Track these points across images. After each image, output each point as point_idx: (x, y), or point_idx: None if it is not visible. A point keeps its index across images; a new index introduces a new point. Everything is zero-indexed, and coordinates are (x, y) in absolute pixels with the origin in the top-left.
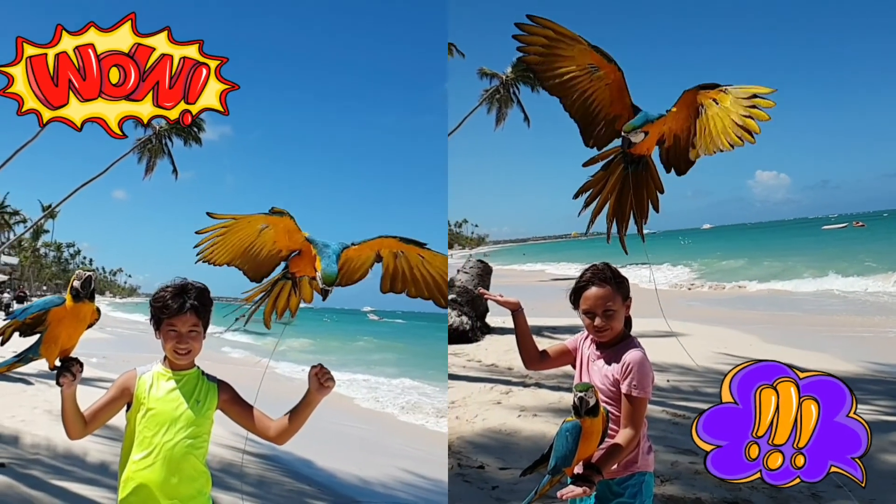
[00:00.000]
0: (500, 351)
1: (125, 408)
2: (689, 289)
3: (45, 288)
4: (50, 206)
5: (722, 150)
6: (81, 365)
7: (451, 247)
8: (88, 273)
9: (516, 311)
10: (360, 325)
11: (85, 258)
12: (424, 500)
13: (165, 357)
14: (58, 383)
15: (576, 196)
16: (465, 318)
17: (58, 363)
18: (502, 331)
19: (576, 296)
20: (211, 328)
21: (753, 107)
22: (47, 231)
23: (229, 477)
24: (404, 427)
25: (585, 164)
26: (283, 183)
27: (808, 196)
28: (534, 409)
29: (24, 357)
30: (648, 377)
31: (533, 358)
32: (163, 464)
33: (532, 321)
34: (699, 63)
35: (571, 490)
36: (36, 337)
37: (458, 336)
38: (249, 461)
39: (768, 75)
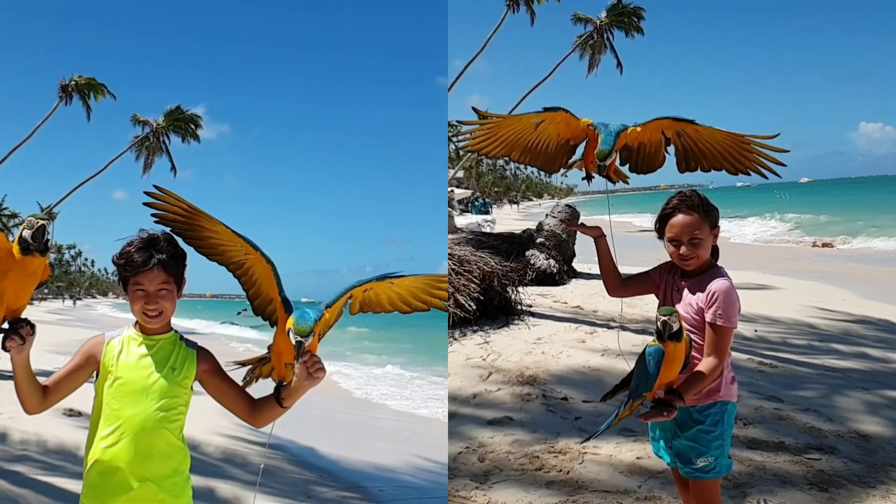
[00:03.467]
0: (585, 294)
1: (94, 377)
2: (785, 243)
3: (45, 290)
4: (49, 207)
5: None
6: (33, 327)
7: (540, 196)
8: (42, 221)
9: (599, 238)
10: (361, 317)
11: (87, 259)
12: (428, 482)
13: (137, 321)
14: (3, 348)
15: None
16: (552, 262)
17: (4, 325)
18: (588, 276)
19: (661, 223)
20: (208, 325)
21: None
22: None
23: (231, 466)
24: (399, 414)
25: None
26: (284, 181)
27: None
28: (617, 350)
29: None
30: (734, 306)
31: (615, 285)
32: (132, 440)
33: None
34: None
35: (653, 414)
36: None
37: (545, 278)
38: (252, 450)
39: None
